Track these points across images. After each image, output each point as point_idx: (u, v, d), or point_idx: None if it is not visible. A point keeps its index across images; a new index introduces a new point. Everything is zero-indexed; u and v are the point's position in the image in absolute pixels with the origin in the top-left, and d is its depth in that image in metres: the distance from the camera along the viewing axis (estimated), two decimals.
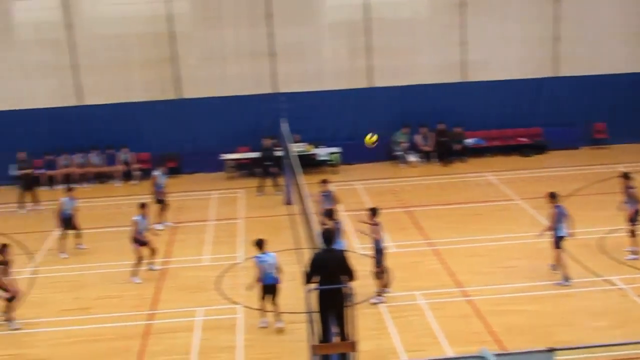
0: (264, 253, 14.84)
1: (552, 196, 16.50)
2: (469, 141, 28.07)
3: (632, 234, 17.61)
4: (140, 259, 17.89)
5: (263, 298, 14.95)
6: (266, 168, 24.74)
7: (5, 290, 15.43)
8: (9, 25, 27.36)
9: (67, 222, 19.82)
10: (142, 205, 18.31)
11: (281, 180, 24.04)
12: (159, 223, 21.25)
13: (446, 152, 27.49)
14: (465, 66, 28.28)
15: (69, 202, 19.97)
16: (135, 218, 18.06)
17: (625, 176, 18.04)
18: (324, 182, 19.37)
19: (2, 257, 15.52)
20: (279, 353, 14.11)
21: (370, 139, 18.28)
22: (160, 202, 21.60)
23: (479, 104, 28.30)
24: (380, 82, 28.02)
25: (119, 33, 27.26)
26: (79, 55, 26.99)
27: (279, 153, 24.23)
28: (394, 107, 27.97)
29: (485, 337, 14.27)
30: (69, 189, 20.54)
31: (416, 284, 16.60)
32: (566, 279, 16.24)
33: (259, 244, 14.93)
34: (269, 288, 14.82)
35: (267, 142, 24.83)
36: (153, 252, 18.29)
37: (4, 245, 15.71)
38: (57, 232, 20.20)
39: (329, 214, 16.65)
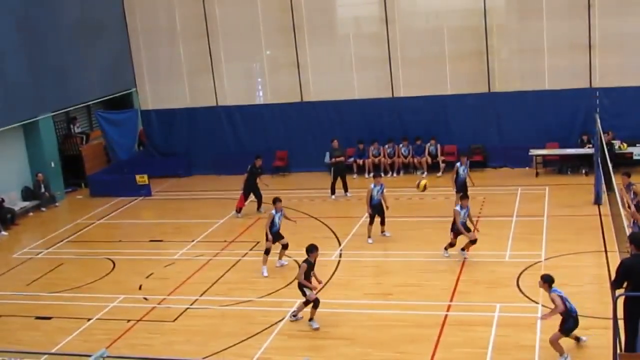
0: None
1: None
2: None
3: None
4: (451, 245, 18.56)
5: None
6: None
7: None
8: (332, 21, 29.00)
9: (375, 208, 20.45)
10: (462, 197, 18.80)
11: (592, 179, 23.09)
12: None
13: None
14: None
15: (378, 188, 20.63)
16: (456, 208, 18.57)
17: None
18: (626, 174, 18.34)
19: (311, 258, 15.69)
20: (579, 358, 13.62)
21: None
22: (460, 191, 21.31)
23: None
24: None
25: (434, 27, 27.78)
26: (395, 49, 27.86)
27: (590, 150, 23.20)
28: None
29: None
30: (376, 176, 21.20)
31: None
32: None
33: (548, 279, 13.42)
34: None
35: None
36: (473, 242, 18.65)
37: (314, 247, 15.78)
38: (365, 218, 21.11)
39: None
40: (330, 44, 28.81)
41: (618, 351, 11.57)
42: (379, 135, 27.89)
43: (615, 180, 18.46)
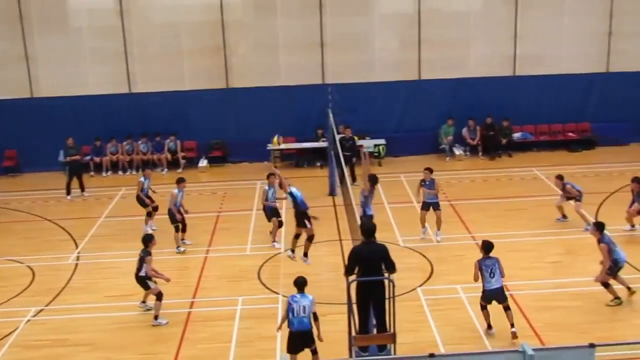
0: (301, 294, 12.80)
1: (598, 226, 15.62)
2: (516, 135, 27.79)
3: None
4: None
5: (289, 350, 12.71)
6: (345, 158, 24.45)
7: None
8: (63, 12, 27.68)
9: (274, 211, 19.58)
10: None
11: (328, 171, 24.14)
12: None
13: (493, 146, 27.24)
14: (517, 60, 27.97)
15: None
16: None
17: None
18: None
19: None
20: (319, 343, 14.13)
21: None
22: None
23: (529, 98, 27.98)
24: (430, 74, 27.84)
25: (171, 21, 27.53)
26: (131, 43, 27.29)
27: (324, 144, 24.22)
28: (443, 100, 27.80)
29: (526, 332, 14.18)
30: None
31: (458, 278, 16.49)
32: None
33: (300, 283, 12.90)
34: (299, 336, 12.59)
35: (346, 132, 24.65)
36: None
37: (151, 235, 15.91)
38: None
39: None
40: (62, 37, 27.47)
41: (353, 333, 12.19)
42: (117, 131, 27.15)
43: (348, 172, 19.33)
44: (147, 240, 15.47)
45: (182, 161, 27.12)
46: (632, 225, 19.08)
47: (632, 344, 12.64)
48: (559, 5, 27.70)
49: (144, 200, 20.30)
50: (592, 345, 9.25)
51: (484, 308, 14.29)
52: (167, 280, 15.57)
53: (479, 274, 14.19)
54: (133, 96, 27.49)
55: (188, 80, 27.57)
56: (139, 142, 27.24)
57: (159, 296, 15.15)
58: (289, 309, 12.51)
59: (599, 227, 15.44)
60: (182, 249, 18.95)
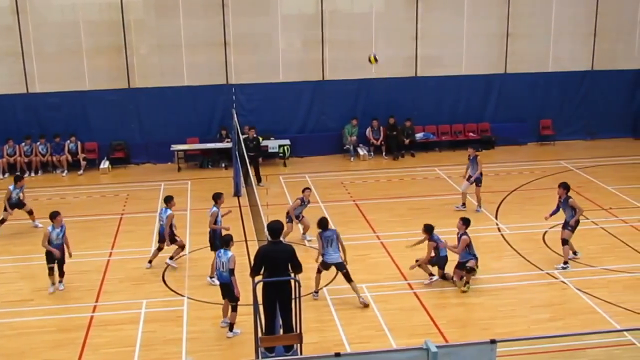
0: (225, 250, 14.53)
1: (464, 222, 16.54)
2: (419, 135, 28.28)
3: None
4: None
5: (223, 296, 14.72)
6: (249, 158, 24.35)
7: None
8: None
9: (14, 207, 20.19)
10: None
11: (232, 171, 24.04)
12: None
13: (396, 146, 27.63)
14: (418, 61, 28.44)
15: (16, 190, 20.18)
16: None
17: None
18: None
19: None
20: (225, 345, 14.09)
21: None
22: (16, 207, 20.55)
23: (431, 98, 28.52)
24: (333, 75, 28.00)
25: (70, 20, 26.83)
26: (29, 42, 26.46)
27: (228, 145, 24.09)
28: (347, 101, 28.05)
29: (429, 329, 14.46)
30: (17, 178, 20.66)
31: (362, 277, 16.65)
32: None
33: (226, 241, 14.80)
34: (221, 287, 14.68)
35: (250, 132, 24.51)
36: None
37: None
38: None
39: None
40: None
41: (259, 334, 12.17)
42: (15, 133, 26.30)
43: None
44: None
45: (83, 163, 26.47)
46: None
47: (532, 339, 13.09)
48: (459, 7, 28.29)
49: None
50: (493, 341, 9.47)
51: (319, 272, 15.76)
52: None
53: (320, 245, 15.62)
54: (30, 96, 26.66)
55: (88, 80, 26.94)
56: (38, 143, 26.46)
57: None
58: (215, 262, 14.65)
59: (466, 222, 16.45)
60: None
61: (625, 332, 13.73)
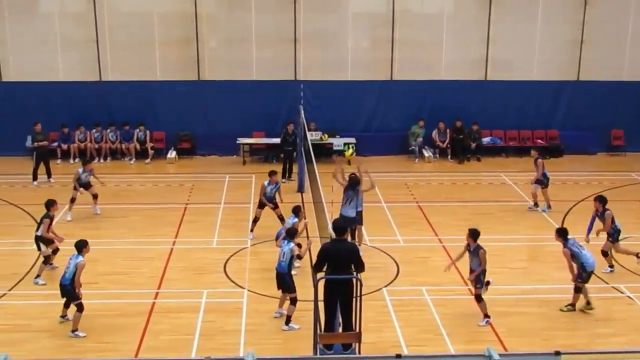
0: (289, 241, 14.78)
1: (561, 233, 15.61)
2: (485, 140, 27.97)
3: None
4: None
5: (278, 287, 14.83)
6: (287, 153, 24.66)
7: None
8: None
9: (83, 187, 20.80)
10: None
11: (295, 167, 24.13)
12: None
13: (461, 149, 27.37)
14: (488, 64, 28.13)
15: (85, 173, 20.73)
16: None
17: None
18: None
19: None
20: (282, 339, 14.14)
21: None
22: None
23: (499, 103, 28.18)
24: (401, 75, 27.89)
25: (143, 11, 27.28)
26: (103, 31, 26.98)
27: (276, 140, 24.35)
28: (413, 102, 27.90)
29: (488, 336, 14.27)
30: (85, 162, 21.37)
31: (423, 279, 16.59)
32: None
33: (291, 233, 15.03)
34: (277, 276, 14.76)
35: (289, 127, 24.64)
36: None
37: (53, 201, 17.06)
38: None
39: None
40: (31, 22, 27.08)
41: (318, 331, 12.17)
42: (86, 119, 26.87)
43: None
44: (49, 205, 16.83)
45: (151, 152, 26.91)
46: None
47: (597, 353, 12.76)
48: (532, 11, 27.90)
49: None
50: (557, 353, 9.25)
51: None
52: (61, 240, 16.67)
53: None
54: (102, 84, 27.18)
55: (159, 71, 27.34)
56: (108, 130, 26.97)
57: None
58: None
59: (562, 233, 15.53)
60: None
61: None
